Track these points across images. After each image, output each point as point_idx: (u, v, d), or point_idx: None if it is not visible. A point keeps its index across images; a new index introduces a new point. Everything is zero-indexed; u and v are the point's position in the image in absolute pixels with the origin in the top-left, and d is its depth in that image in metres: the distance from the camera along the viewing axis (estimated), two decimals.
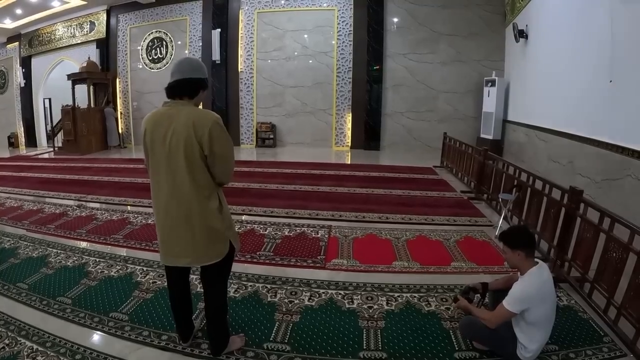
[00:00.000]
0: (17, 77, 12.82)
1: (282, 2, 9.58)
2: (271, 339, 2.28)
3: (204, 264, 1.94)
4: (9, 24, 11.80)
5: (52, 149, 10.82)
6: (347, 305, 2.63)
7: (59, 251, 3.65)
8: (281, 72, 9.86)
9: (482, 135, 7.98)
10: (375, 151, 9.20)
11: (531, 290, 1.90)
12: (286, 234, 4.04)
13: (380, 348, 2.18)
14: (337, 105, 9.60)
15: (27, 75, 12.61)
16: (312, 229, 4.15)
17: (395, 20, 8.93)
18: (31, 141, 13.02)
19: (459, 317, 2.43)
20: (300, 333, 2.33)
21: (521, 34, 6.88)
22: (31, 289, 2.96)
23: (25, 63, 12.60)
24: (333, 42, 9.38)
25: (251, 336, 2.31)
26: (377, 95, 9.18)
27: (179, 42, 10.45)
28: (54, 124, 10.78)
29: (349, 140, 9.66)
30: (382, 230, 4.07)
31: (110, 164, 8.17)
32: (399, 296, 2.74)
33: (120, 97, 11.26)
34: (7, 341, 2.33)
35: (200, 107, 2.02)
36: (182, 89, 1.86)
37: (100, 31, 11.02)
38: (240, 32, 9.92)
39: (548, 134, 5.85)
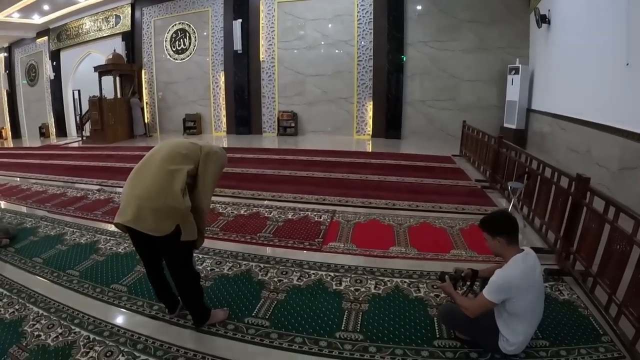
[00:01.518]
0: (47, 70, 13.51)
1: None
2: (253, 314, 2.35)
3: (142, 229, 1.90)
4: (37, 19, 12.43)
5: (80, 139, 11.41)
6: (335, 287, 2.65)
7: (74, 230, 3.90)
8: (302, 61, 9.88)
9: (506, 125, 7.66)
10: (396, 140, 9.07)
11: (512, 279, 1.78)
12: (290, 217, 4.10)
13: (357, 330, 2.19)
14: (358, 94, 9.51)
15: (57, 68, 13.28)
16: (316, 213, 4.18)
17: (416, 7, 8.70)
18: (61, 131, 13.77)
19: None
20: (282, 310, 2.39)
21: (543, 19, 6.52)
22: (45, 262, 3.20)
23: (55, 56, 13.26)
24: (353, 30, 9.26)
25: (235, 311, 2.39)
26: (398, 84, 9.01)
27: (204, 33, 10.67)
28: (82, 114, 11.35)
29: (370, 129, 9.57)
30: (386, 216, 4.04)
31: (133, 152, 8.54)
32: (388, 280, 2.73)
33: (146, 88, 11.70)
34: (17, 306, 2.55)
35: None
36: None
37: (125, 24, 11.43)
38: (261, 22, 10.00)
39: (566, 121, 5.57)
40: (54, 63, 13.24)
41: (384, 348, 2.04)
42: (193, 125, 11.02)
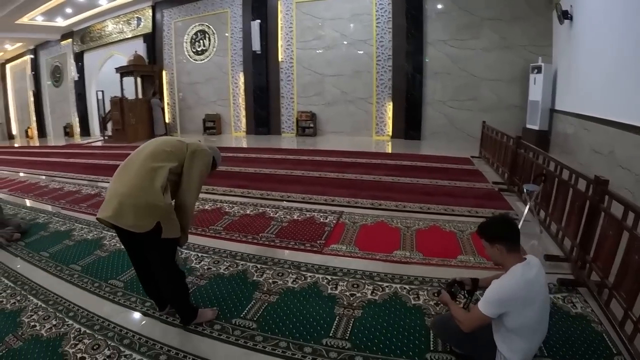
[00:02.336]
0: (72, 71, 14.03)
1: None
2: (242, 315, 2.31)
3: (123, 225, 1.90)
4: (61, 22, 12.92)
5: (102, 138, 11.78)
6: (330, 291, 2.57)
7: (83, 226, 4.00)
8: (321, 61, 9.83)
9: (528, 126, 7.33)
10: (415, 141, 8.88)
11: (509, 291, 1.61)
12: (295, 217, 4.04)
13: (346, 337, 2.09)
14: (378, 94, 9.37)
15: (81, 70, 13.78)
16: (322, 214, 4.11)
17: (436, 5, 8.47)
18: (85, 131, 14.28)
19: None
20: (272, 313, 2.32)
21: (565, 15, 6.17)
22: (51, 256, 3.29)
23: (79, 58, 13.77)
24: (372, 29, 9.13)
25: (225, 311, 2.35)
26: (417, 84, 8.81)
27: (223, 34, 10.81)
28: (105, 114, 11.71)
29: (390, 130, 9.40)
30: (394, 219, 3.91)
31: None
32: (387, 286, 2.62)
33: (166, 89, 11.98)
34: (18, 297, 2.63)
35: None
36: None
37: (146, 26, 11.75)
38: (279, 22, 10.03)
39: (590, 121, 5.26)
40: (79, 64, 13.76)
41: (371, 358, 1.93)
42: (213, 125, 11.17)
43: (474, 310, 1.69)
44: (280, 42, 10.13)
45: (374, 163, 6.52)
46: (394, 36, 8.92)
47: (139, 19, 11.90)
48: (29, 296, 2.63)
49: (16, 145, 14.31)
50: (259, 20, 9.92)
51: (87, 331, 2.21)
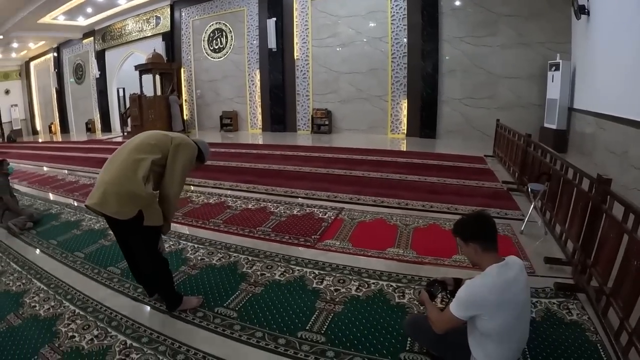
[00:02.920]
0: (93, 69, 14.53)
1: None
2: (225, 304, 2.37)
3: (107, 212, 2.00)
4: (82, 21, 13.40)
5: (122, 134, 12.17)
6: (314, 285, 2.59)
7: (92, 217, 4.18)
8: (336, 58, 9.83)
9: (546, 125, 7.08)
10: (430, 139, 8.75)
11: (480, 293, 1.52)
12: (294, 213, 4.09)
13: (322, 332, 2.10)
14: (393, 92, 9.28)
15: (102, 67, 14.26)
16: (322, 210, 4.14)
17: (451, 2, 8.30)
18: (106, 127, 14.78)
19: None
20: (254, 304, 2.38)
21: (582, 10, 5.91)
22: (59, 244, 3.48)
23: (100, 56, 14.26)
24: (387, 27, 9.05)
25: (210, 299, 2.43)
26: (433, 81, 8.67)
27: (240, 32, 10.97)
28: (124, 111, 12.07)
29: (405, 128, 9.31)
30: (394, 216, 3.89)
31: None
32: (374, 283, 2.61)
33: (185, 86, 12.27)
34: (23, 281, 2.82)
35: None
36: None
37: (165, 25, 12.05)
38: (295, 20, 10.08)
39: (605, 120, 5.05)
40: (100, 62, 14.21)
41: (343, 354, 1.93)
42: (229, 122, 11.36)
43: (446, 311, 1.63)
44: (296, 40, 10.19)
45: (384, 161, 6.48)
46: (409, 33, 8.81)
47: (157, 18, 12.22)
48: (33, 280, 2.81)
49: (40, 140, 15.03)
50: (274, 18, 10.01)
51: (81, 313, 2.36)
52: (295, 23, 10.09)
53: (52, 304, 2.47)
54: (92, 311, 2.36)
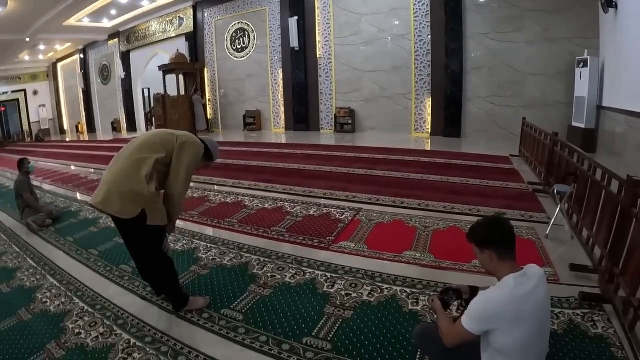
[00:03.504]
0: (118, 70, 14.88)
1: None
2: (232, 306, 2.32)
3: (110, 211, 2.00)
4: (106, 23, 13.74)
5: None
6: (325, 289, 2.49)
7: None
8: (359, 56, 9.67)
9: (574, 124, 6.72)
10: (455, 139, 8.49)
11: (495, 306, 1.37)
12: (311, 213, 4.01)
13: (329, 338, 2.00)
14: (417, 90, 9.05)
15: (127, 68, 14.60)
16: (339, 210, 4.03)
17: None
18: (132, 126, 15.10)
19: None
20: (261, 307, 2.31)
21: (610, 4, 5.53)
22: (75, 241, 3.55)
23: (125, 57, 14.58)
24: (410, 24, 8.83)
25: (217, 301, 2.38)
26: (457, 79, 8.39)
27: (262, 32, 10.99)
28: (149, 110, 12.32)
29: (429, 127, 9.07)
30: (413, 218, 3.74)
31: None
32: (387, 288, 2.49)
33: (208, 86, 12.40)
34: (38, 277, 2.87)
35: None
36: None
37: (188, 25, 12.20)
38: (316, 18, 10.00)
39: (636, 118, 4.73)
40: (125, 63, 14.53)
41: None
42: (253, 121, 11.40)
43: (457, 324, 1.48)
44: (318, 39, 10.11)
45: (405, 160, 6.30)
46: (432, 30, 8.56)
47: (180, 19, 12.40)
48: (47, 276, 2.85)
49: (67, 139, 15.62)
50: (296, 17, 9.96)
51: (89, 310, 2.37)
52: (317, 21, 10.01)
53: (63, 300, 2.49)
54: (100, 309, 2.37)
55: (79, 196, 5.33)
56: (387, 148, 7.30)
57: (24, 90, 18.40)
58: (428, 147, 7.80)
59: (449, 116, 8.61)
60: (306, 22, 10.08)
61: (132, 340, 2.04)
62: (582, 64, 6.46)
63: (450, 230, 3.45)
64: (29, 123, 18.44)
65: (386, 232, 3.47)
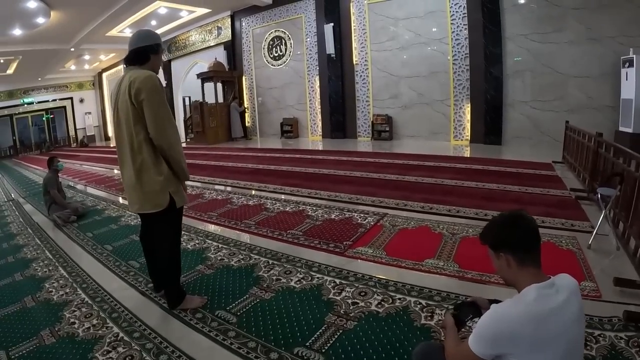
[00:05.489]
0: (160, 78, 15.53)
1: None
2: (227, 309, 2.18)
3: (147, 211, 2.04)
4: None
5: (186, 140, 12.85)
6: (331, 296, 2.29)
7: (131, 213, 4.31)
8: (395, 62, 9.45)
9: (621, 128, 6.08)
10: (496, 146, 8.00)
11: (509, 324, 1.07)
12: (332, 217, 3.82)
13: (323, 350, 1.79)
14: (455, 95, 8.65)
15: (168, 77, 15.20)
16: (362, 215, 3.82)
17: None
18: None
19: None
20: (258, 310, 2.15)
21: None
22: (93, 237, 3.64)
23: (166, 66, 15.15)
24: (447, 27, 8.50)
25: (214, 301, 2.26)
26: (497, 83, 7.92)
27: (299, 39, 11.06)
28: (187, 118, 12.71)
29: (468, 134, 8.61)
30: (440, 224, 3.44)
31: (223, 152, 9.24)
32: (400, 298, 2.23)
33: (246, 93, 12.63)
34: (50, 267, 2.93)
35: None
36: (131, 59, 2.06)
37: (226, 35, 12.55)
38: (352, 24, 9.92)
39: None
40: (167, 72, 15.08)
41: None
42: (290, 129, 11.43)
43: (463, 345, 1.19)
44: (354, 45, 10.00)
45: (439, 166, 5.97)
46: (470, 33, 8.16)
47: (219, 28, 12.79)
48: (59, 267, 2.91)
49: (111, 145, 16.55)
50: (332, 24, 9.93)
51: (89, 301, 2.36)
52: (352, 28, 9.92)
53: (67, 290, 2.52)
54: (99, 301, 2.35)
55: (107, 196, 5.54)
56: (422, 154, 7.00)
57: (71, 98, 19.88)
58: (466, 154, 7.37)
59: (489, 122, 8.14)
60: (342, 29, 10.03)
61: (121, 334, 1.98)
62: (627, 63, 5.90)
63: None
64: (75, 129, 19.84)
65: (409, 238, 3.20)
